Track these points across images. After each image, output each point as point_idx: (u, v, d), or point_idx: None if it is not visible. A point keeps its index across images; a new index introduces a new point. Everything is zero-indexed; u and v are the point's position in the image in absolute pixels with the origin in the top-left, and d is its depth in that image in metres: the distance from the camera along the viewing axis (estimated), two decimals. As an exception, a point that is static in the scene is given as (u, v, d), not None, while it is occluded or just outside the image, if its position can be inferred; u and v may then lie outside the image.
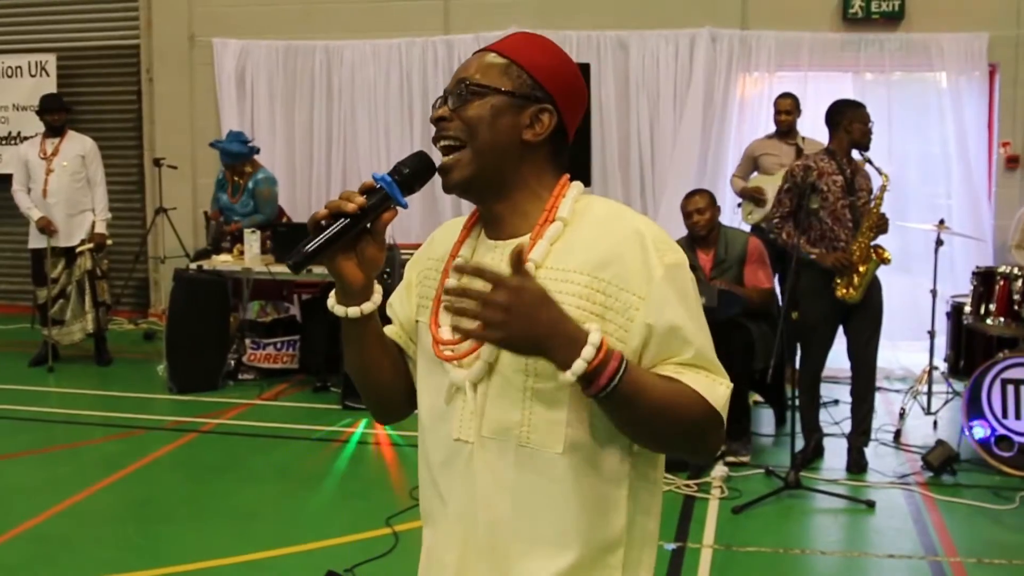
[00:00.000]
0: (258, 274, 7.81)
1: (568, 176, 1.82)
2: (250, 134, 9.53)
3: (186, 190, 10.04)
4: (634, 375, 1.60)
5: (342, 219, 1.69)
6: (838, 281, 5.73)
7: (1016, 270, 6.14)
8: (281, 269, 7.67)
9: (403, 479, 5.77)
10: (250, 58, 9.90)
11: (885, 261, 5.74)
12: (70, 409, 7.31)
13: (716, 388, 1.69)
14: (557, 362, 1.58)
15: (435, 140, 1.78)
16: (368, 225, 1.74)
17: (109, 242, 8.56)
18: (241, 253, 7.85)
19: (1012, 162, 8.71)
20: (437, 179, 1.79)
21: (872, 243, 5.77)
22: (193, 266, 7.92)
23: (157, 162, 9.67)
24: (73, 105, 10.24)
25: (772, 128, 8.04)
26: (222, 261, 7.89)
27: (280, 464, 6.16)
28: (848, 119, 5.75)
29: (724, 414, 1.70)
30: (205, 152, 9.93)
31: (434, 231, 1.98)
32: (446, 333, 1.78)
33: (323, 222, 1.69)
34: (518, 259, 1.56)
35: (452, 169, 1.75)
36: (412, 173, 1.77)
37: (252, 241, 7.74)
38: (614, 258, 1.69)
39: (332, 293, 1.79)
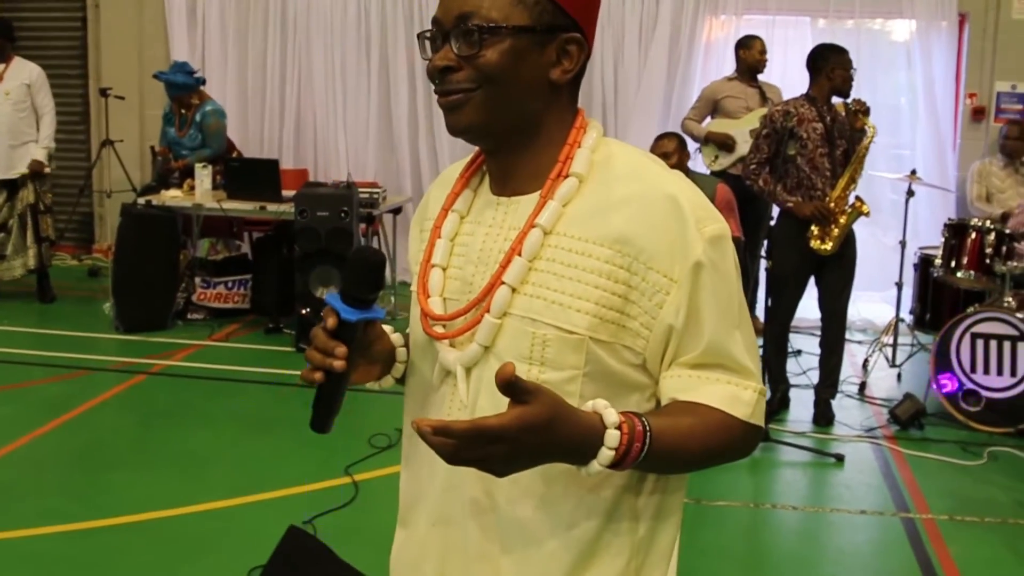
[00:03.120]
0: (209, 210, 7.54)
1: (584, 115, 1.53)
2: (200, 65, 9.22)
3: (133, 122, 9.67)
4: (659, 443, 1.36)
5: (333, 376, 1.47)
6: (813, 231, 5.60)
7: (988, 223, 6.07)
8: (233, 205, 7.41)
9: (361, 426, 5.56)
10: (202, -15, 9.52)
11: (864, 213, 5.61)
12: (10, 348, 7.01)
13: (740, 397, 1.45)
14: (572, 464, 1.35)
15: (441, 94, 1.46)
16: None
17: (47, 170, 8.12)
18: (191, 188, 7.57)
19: (978, 114, 8.60)
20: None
21: (852, 194, 5.64)
22: (142, 201, 7.62)
23: (104, 92, 9.28)
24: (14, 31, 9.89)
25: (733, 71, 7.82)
26: (172, 197, 7.59)
27: (233, 408, 5.95)
28: (831, 65, 5.59)
29: (758, 420, 1.47)
30: (154, 83, 9.55)
31: (435, 180, 1.70)
32: (436, 306, 1.54)
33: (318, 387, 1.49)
34: (511, 386, 1.25)
35: (461, 106, 1.44)
36: (368, 285, 1.46)
37: (203, 176, 7.47)
38: (643, 229, 1.42)
39: None
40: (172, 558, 4.12)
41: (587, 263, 1.42)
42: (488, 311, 1.46)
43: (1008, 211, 6.86)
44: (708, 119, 7.69)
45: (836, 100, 5.70)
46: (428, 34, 1.48)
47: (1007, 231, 5.97)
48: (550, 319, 1.43)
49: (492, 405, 1.42)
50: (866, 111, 5.66)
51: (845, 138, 5.64)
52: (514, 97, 1.44)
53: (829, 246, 5.59)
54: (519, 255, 1.45)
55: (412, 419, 1.42)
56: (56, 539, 4.28)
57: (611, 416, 1.33)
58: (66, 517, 4.45)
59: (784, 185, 5.63)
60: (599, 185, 1.46)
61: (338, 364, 1.43)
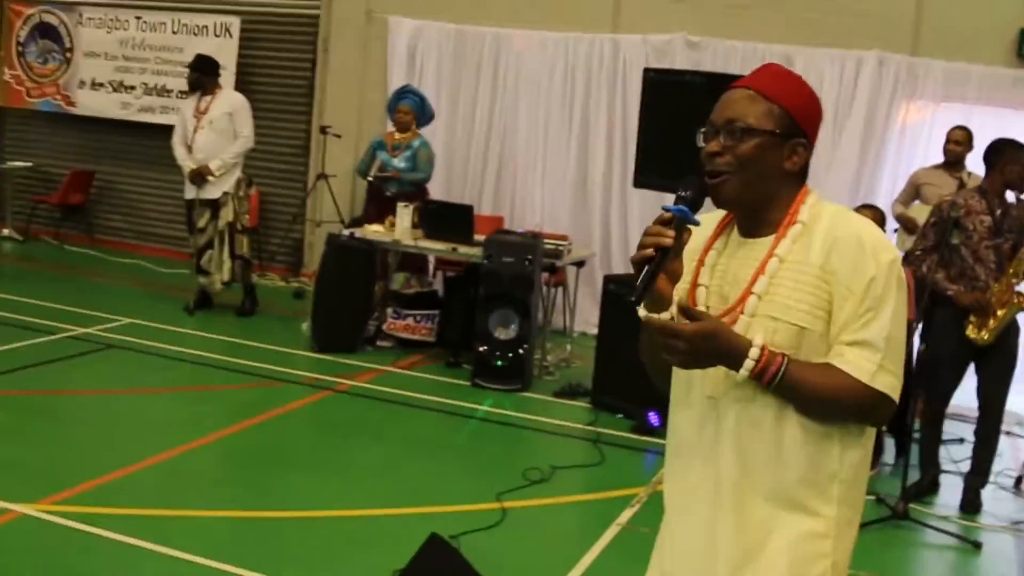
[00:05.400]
0: (406, 247, 8.08)
1: (807, 186, 2.19)
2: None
3: (348, 159, 10.32)
4: (794, 374, 2.04)
5: (659, 252, 2.03)
6: (971, 320, 5.67)
7: None
8: (428, 244, 7.94)
9: (519, 459, 5.95)
10: (422, 38, 10.15)
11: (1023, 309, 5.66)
12: (218, 355, 7.70)
13: (862, 366, 2.04)
14: (731, 368, 2.06)
15: (708, 170, 2.13)
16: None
17: (210, 178, 8.56)
18: (392, 225, 8.12)
19: None
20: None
21: (1017, 288, 5.69)
22: (346, 232, 8.23)
23: (324, 130, 10.04)
24: (252, 67, 10.79)
25: (937, 158, 7.92)
26: (373, 231, 8.17)
27: (404, 430, 6.43)
28: (1005, 160, 5.66)
29: (883, 388, 2.05)
30: (369, 123, 10.29)
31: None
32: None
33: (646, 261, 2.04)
34: (688, 312, 2.03)
35: (723, 188, 2.13)
36: (695, 197, 2.10)
37: (404, 215, 8.01)
38: (837, 257, 2.07)
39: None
40: (327, 552, 4.58)
41: (805, 279, 2.09)
42: (742, 312, 2.12)
43: None
44: (916, 202, 7.83)
45: (1010, 195, 5.76)
46: (705, 130, 2.16)
47: None
48: (781, 315, 2.09)
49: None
50: None
51: (1015, 232, 5.69)
52: (759, 179, 2.13)
53: (986, 336, 5.65)
54: (763, 274, 2.11)
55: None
56: (227, 522, 4.84)
57: (757, 339, 2.05)
58: (239, 504, 5.00)
59: (948, 273, 5.72)
60: (815, 229, 2.12)
61: (667, 241, 2.02)
